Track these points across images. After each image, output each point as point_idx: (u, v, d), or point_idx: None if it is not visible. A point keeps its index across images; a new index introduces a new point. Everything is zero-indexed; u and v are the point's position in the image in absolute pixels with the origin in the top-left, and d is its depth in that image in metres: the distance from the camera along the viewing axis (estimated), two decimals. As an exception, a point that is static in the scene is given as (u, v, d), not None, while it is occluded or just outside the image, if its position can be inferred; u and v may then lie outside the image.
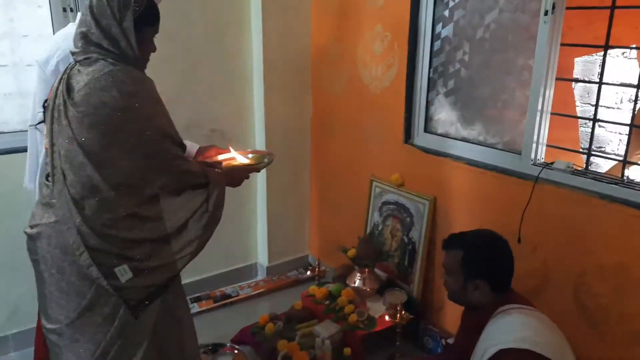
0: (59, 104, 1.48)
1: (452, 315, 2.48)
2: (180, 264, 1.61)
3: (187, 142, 1.83)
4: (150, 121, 1.51)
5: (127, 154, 1.47)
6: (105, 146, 1.45)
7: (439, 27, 2.42)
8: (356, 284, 2.72)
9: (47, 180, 1.54)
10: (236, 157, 1.86)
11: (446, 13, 2.38)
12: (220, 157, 1.86)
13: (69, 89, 1.47)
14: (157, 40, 1.63)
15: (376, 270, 2.76)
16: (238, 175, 1.81)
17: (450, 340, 2.41)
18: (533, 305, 1.72)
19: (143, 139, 1.48)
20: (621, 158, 1.92)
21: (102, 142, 1.44)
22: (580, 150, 2.13)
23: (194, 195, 1.61)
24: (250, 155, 1.91)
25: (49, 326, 1.58)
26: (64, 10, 2.44)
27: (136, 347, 1.59)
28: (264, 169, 1.93)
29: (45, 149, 1.59)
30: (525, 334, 1.56)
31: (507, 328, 1.61)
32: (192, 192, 1.62)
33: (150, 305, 1.57)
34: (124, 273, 1.49)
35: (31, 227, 1.56)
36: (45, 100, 1.64)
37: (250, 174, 1.86)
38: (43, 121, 1.65)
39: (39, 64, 1.90)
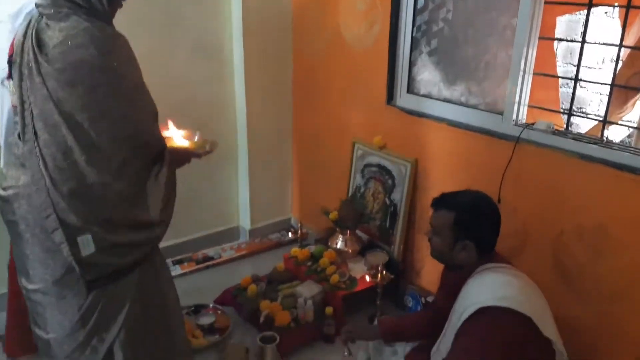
0: (28, 60, 1.41)
1: (432, 275, 2.52)
2: (145, 249, 1.60)
3: None
4: (127, 80, 1.47)
5: (102, 115, 1.43)
6: (82, 106, 1.40)
7: (422, -16, 2.37)
8: (338, 246, 2.73)
9: (19, 138, 1.49)
10: (176, 137, 1.78)
11: (430, -31, 2.32)
12: (164, 133, 1.79)
13: (40, 44, 1.41)
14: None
15: (358, 232, 2.77)
16: (181, 156, 1.74)
17: (430, 299, 2.46)
18: (513, 264, 1.74)
19: (118, 100, 1.44)
20: (601, 118, 1.93)
21: (79, 102, 1.40)
22: (561, 110, 2.13)
23: (155, 169, 1.59)
24: (191, 139, 1.82)
25: (31, 287, 1.56)
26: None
27: (122, 302, 1.60)
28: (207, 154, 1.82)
29: (13, 106, 1.53)
30: (505, 292, 1.58)
31: (487, 286, 1.63)
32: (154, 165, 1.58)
33: (111, 284, 1.56)
34: (86, 245, 1.47)
35: (5, 189, 1.51)
36: (10, 55, 1.56)
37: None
38: (9, 77, 1.58)
39: (10, 16, 1.82)
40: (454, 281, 1.78)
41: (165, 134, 1.76)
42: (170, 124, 1.79)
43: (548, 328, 1.62)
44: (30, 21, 1.47)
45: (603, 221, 1.82)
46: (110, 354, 1.62)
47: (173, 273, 2.90)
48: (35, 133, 1.42)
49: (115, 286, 1.57)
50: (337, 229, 2.75)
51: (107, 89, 1.42)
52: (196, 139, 1.82)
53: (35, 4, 1.48)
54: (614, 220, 1.79)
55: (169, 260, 2.94)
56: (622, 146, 1.81)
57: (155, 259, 1.72)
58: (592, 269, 1.88)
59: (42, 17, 1.45)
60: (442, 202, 1.76)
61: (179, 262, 3.02)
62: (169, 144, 1.72)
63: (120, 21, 1.58)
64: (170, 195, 1.64)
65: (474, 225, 1.69)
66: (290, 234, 3.29)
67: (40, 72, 1.40)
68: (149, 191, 1.56)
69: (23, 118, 1.44)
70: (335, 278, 2.54)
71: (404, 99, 2.56)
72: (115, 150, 1.47)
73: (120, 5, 1.57)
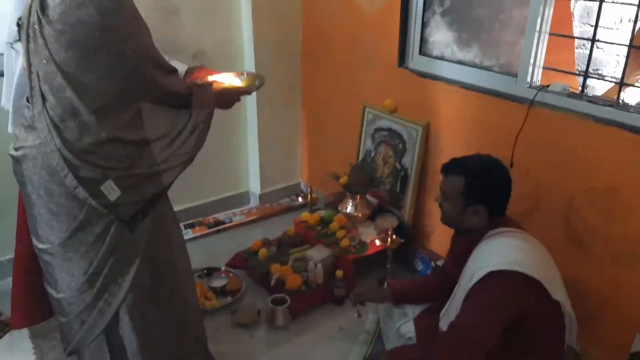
0: (33, 22, 1.40)
1: (441, 239, 2.53)
2: (165, 177, 1.59)
3: (175, 62, 1.76)
4: (130, 40, 1.43)
5: (106, 76, 1.41)
6: (84, 68, 1.39)
7: (436, -59, 2.29)
8: (348, 210, 2.74)
9: (28, 102, 1.49)
10: (226, 79, 1.80)
11: None
12: (210, 78, 1.81)
13: (43, 6, 1.39)
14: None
15: (368, 196, 2.78)
16: (229, 96, 1.76)
17: (440, 263, 2.47)
18: (523, 229, 1.74)
19: (122, 60, 1.42)
20: (618, 80, 1.88)
21: (81, 64, 1.38)
22: (577, 72, 2.08)
23: (178, 112, 1.58)
24: (241, 77, 1.85)
25: (40, 246, 1.60)
26: None
27: (128, 264, 1.61)
28: (255, 92, 1.88)
29: (23, 69, 1.52)
30: (515, 256, 1.59)
31: (497, 250, 1.64)
32: (177, 110, 1.57)
33: (143, 219, 1.58)
34: (111, 191, 1.48)
35: (16, 149, 1.53)
36: (20, 18, 1.55)
37: (242, 97, 1.81)
38: (19, 40, 1.57)
39: None
40: (464, 246, 1.78)
41: (215, 77, 1.79)
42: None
43: (557, 291, 1.63)
44: None
45: (616, 184, 1.80)
46: (116, 317, 1.65)
47: (185, 237, 2.90)
48: (43, 95, 1.41)
49: (122, 248, 1.58)
50: (347, 194, 2.75)
51: (110, 48, 1.39)
52: (241, 77, 1.85)
53: None
54: (627, 183, 1.77)
55: (180, 224, 2.96)
56: (639, 109, 1.77)
57: (167, 224, 1.73)
58: (603, 232, 1.87)
59: None
60: (451, 167, 1.74)
61: (191, 225, 3.05)
62: (216, 86, 1.74)
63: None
64: (203, 135, 1.63)
65: (484, 190, 1.68)
66: (300, 199, 3.30)
67: (43, 34, 1.38)
68: (186, 131, 1.57)
69: (30, 81, 1.44)
70: (345, 242, 2.56)
71: (416, 61, 2.51)
72: (124, 107, 1.46)
73: None
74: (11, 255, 2.55)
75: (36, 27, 1.39)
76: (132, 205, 1.54)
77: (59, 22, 1.36)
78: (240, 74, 1.87)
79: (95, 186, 1.46)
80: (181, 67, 1.81)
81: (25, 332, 2.24)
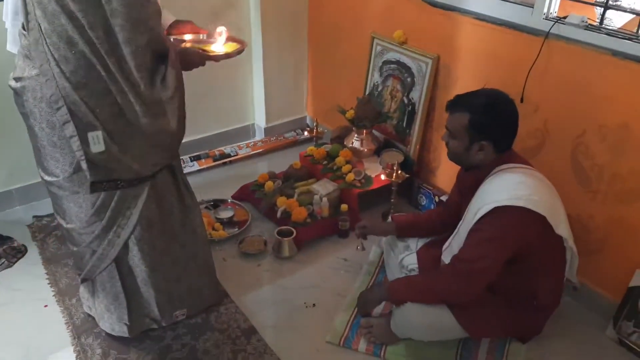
0: None
1: (446, 174, 2.53)
2: (148, 168, 1.58)
3: (165, 12, 1.67)
4: None
5: (95, 7, 1.34)
6: None
7: None
8: (354, 145, 2.73)
9: (24, 29, 1.44)
10: (216, 43, 1.71)
11: None
12: (187, 37, 1.71)
13: None
14: None
15: (374, 131, 2.75)
16: (191, 58, 1.64)
17: (444, 198, 2.49)
18: (530, 165, 1.73)
19: None
20: (638, 11, 1.81)
21: None
22: (596, 2, 1.99)
23: (160, 62, 1.51)
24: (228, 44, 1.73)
25: (47, 178, 1.60)
26: None
27: (135, 197, 1.63)
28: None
29: None
30: (520, 192, 1.59)
31: (503, 186, 1.64)
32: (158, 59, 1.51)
33: (103, 190, 1.56)
34: (96, 142, 1.45)
35: (15, 80, 1.49)
36: None
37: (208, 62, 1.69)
38: None
39: None
40: (470, 181, 1.79)
41: (191, 37, 1.70)
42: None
43: (561, 226, 1.65)
44: None
45: (627, 121, 1.77)
46: (126, 248, 1.69)
47: (191, 169, 2.95)
48: (38, 22, 1.36)
49: (127, 189, 1.59)
50: (353, 128, 2.73)
51: None
52: (221, 36, 1.73)
53: None
54: (638, 119, 1.74)
55: (185, 157, 2.98)
56: (659, 42, 1.71)
57: (172, 165, 1.73)
58: (610, 169, 1.86)
59: None
60: (456, 104, 1.71)
61: (197, 158, 3.05)
62: (192, 44, 1.66)
63: None
64: (180, 102, 1.58)
65: (489, 126, 1.66)
66: (305, 133, 3.28)
67: None
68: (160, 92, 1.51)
69: (25, 5, 1.38)
70: (350, 176, 2.57)
71: (428, -10, 2.41)
72: (110, 47, 1.39)
73: None
74: (20, 184, 2.60)
75: None
76: (106, 170, 1.52)
77: None
78: (227, 39, 1.75)
79: (84, 129, 1.44)
80: (167, 20, 1.73)
81: (38, 257, 2.31)
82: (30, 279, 2.20)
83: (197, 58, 1.66)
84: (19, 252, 2.33)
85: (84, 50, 1.37)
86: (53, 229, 2.46)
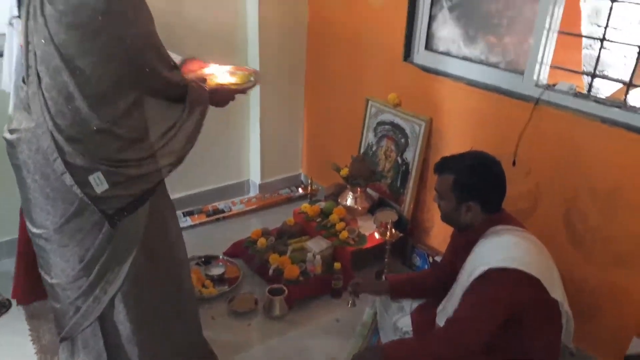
0: None
1: (440, 235, 2.53)
2: (154, 176, 1.57)
3: (170, 54, 1.73)
4: (132, 27, 1.40)
5: (104, 62, 1.38)
6: (83, 51, 1.36)
7: None
8: (348, 203, 2.74)
9: (23, 82, 1.46)
10: (219, 74, 1.74)
11: None
12: (206, 71, 1.76)
13: None
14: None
15: (368, 189, 2.77)
16: (225, 95, 1.70)
17: (438, 259, 2.47)
18: (523, 226, 1.74)
19: (122, 46, 1.39)
20: (626, 82, 1.87)
21: (80, 47, 1.36)
22: (585, 72, 2.07)
23: (172, 106, 1.54)
24: (237, 73, 1.77)
25: (35, 230, 1.57)
26: None
27: (126, 252, 1.60)
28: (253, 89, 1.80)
29: (21, 46, 1.50)
30: (514, 254, 1.59)
31: (497, 248, 1.64)
32: (171, 103, 1.54)
33: (128, 216, 1.55)
34: (99, 182, 1.45)
35: (10, 132, 1.50)
36: None
37: (237, 95, 1.74)
38: (18, 16, 1.54)
39: None
40: (463, 242, 1.78)
41: (205, 71, 1.73)
42: (212, 63, 1.76)
43: (556, 290, 1.63)
44: None
45: (618, 185, 1.79)
46: (111, 304, 1.64)
47: (183, 225, 2.93)
48: (39, 76, 1.39)
49: (119, 238, 1.57)
50: (348, 186, 2.75)
51: (111, 34, 1.36)
52: (236, 73, 1.77)
53: None
54: (630, 184, 1.77)
55: (179, 212, 2.96)
56: (646, 111, 1.76)
57: (164, 212, 1.72)
58: (603, 232, 1.87)
59: None
60: (442, 166, 1.76)
61: (190, 213, 3.04)
62: (215, 81, 1.69)
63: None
64: (195, 133, 1.60)
65: (474, 187, 1.69)
66: (300, 190, 3.29)
67: (44, 12, 1.35)
68: (177, 127, 1.54)
69: (27, 59, 1.41)
70: (344, 234, 2.56)
71: (421, 56, 2.50)
72: (120, 97, 1.43)
73: None
74: (9, 237, 2.56)
75: (37, 4, 1.36)
76: (118, 200, 1.51)
77: (62, 3, 1.34)
78: (236, 69, 1.80)
79: (83, 175, 1.44)
80: (175, 59, 1.77)
81: (21, 313, 2.24)
82: (12, 335, 2.13)
83: (230, 94, 1.71)
84: (3, 307, 2.27)
85: (80, 107, 1.39)
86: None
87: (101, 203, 1.49)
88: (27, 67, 1.41)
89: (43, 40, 1.36)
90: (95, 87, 1.39)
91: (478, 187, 1.69)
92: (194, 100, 1.57)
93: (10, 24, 1.78)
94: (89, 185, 1.45)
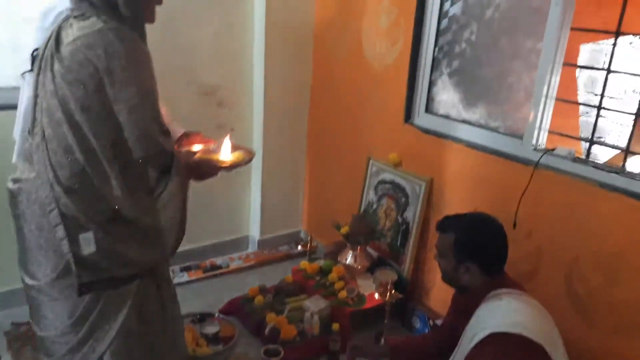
0: (47, 55, 1.43)
1: (441, 297, 2.49)
2: (143, 262, 1.57)
3: (174, 125, 1.76)
4: (133, 86, 1.43)
5: (103, 119, 1.41)
6: (82, 107, 1.40)
7: (447, 5, 2.37)
8: (347, 261, 2.71)
9: (29, 133, 1.50)
10: (222, 151, 1.72)
11: (455, -9, 2.33)
12: (195, 148, 1.74)
13: (58, 41, 1.42)
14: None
15: (368, 248, 2.75)
16: (205, 169, 1.66)
17: (439, 322, 2.42)
18: (525, 290, 1.72)
19: (122, 104, 1.43)
20: (624, 148, 1.90)
21: (81, 102, 1.39)
22: (582, 138, 2.11)
23: (160, 174, 1.55)
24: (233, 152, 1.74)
25: (28, 281, 1.56)
26: (64, -35, 2.35)
27: (117, 311, 1.57)
28: (245, 165, 1.76)
29: (30, 99, 1.54)
30: (516, 318, 1.56)
31: (499, 312, 1.61)
32: (158, 171, 1.54)
33: (95, 291, 1.52)
34: (88, 243, 1.45)
35: (13, 181, 1.52)
36: (35, 49, 1.58)
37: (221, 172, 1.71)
38: (30, 70, 1.60)
39: (41, 13, 1.85)
40: (464, 305, 1.76)
41: (200, 147, 1.72)
42: (222, 139, 1.74)
43: (559, 356, 1.59)
44: (62, 20, 1.49)
45: (620, 250, 1.79)
46: None
47: (180, 280, 2.89)
48: (43, 128, 1.43)
49: (110, 296, 1.54)
50: (348, 244, 2.73)
51: (110, 91, 1.40)
52: (224, 145, 1.76)
53: (68, 9, 1.50)
54: (631, 250, 1.76)
55: (176, 267, 2.93)
56: (644, 177, 1.78)
57: (157, 272, 1.70)
58: (606, 298, 1.84)
59: (71, 17, 1.47)
60: (444, 224, 1.79)
61: (187, 269, 3.01)
62: (201, 155, 1.69)
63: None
64: (181, 211, 1.59)
65: (474, 247, 1.69)
66: (299, 247, 3.27)
67: (53, 67, 1.41)
68: (160, 200, 1.54)
69: (34, 112, 1.45)
70: (343, 294, 2.52)
71: (422, 118, 2.55)
72: (114, 155, 1.45)
73: (160, 2, 1.57)
74: (2, 289, 2.52)
75: (48, 60, 1.42)
76: (99, 271, 1.50)
77: (68, 59, 1.39)
78: (234, 147, 1.75)
79: (75, 231, 1.44)
80: (176, 133, 1.77)
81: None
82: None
83: (210, 169, 1.68)
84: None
85: (78, 159, 1.42)
86: (30, 337, 2.34)
87: (81, 266, 1.47)
88: (34, 118, 1.45)
89: (49, 94, 1.41)
90: (92, 143, 1.42)
91: (477, 248, 1.69)
92: (176, 171, 1.57)
93: (23, 76, 1.84)
94: (77, 243, 1.45)
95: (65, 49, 1.40)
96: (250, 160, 1.74)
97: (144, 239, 1.55)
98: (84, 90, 1.39)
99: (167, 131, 1.58)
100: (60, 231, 1.44)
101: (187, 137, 1.81)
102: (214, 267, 3.07)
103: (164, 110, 1.61)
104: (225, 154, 1.72)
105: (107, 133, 1.43)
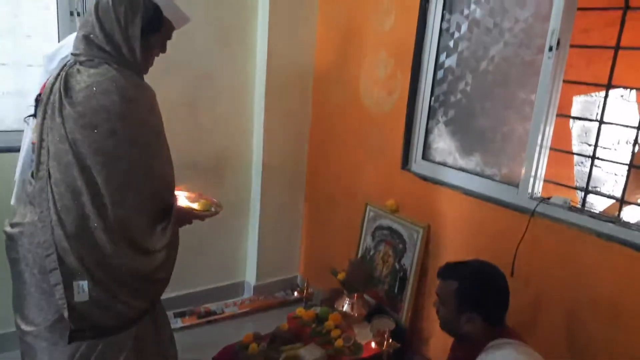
0: (54, 100, 1.46)
1: (439, 346, 2.44)
2: (131, 312, 1.57)
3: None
4: (145, 130, 1.49)
5: (114, 162, 1.44)
6: (95, 150, 1.42)
7: (442, 57, 2.45)
8: (344, 309, 2.67)
9: (32, 176, 1.51)
10: (181, 198, 1.78)
11: (451, 43, 2.40)
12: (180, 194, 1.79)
13: (67, 87, 1.46)
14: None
15: (365, 295, 2.72)
16: (184, 216, 1.71)
17: (437, 372, 2.37)
18: (525, 341, 1.69)
19: (134, 147, 1.46)
20: (617, 198, 1.93)
21: (93, 146, 1.42)
22: (577, 187, 2.14)
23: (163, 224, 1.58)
24: (199, 201, 1.81)
25: (24, 327, 1.54)
26: (71, 14, 2.43)
27: (117, 353, 1.55)
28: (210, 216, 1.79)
29: (33, 144, 1.56)
30: (516, 369, 1.53)
31: (499, 362, 1.58)
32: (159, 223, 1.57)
33: (83, 340, 1.51)
34: (80, 291, 1.45)
35: (12, 225, 1.52)
36: (38, 95, 1.61)
37: (195, 221, 1.76)
38: (33, 115, 1.63)
39: (46, 57, 1.89)
40: (463, 354, 1.73)
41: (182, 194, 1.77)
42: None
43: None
44: (65, 65, 1.54)
45: (618, 300, 1.78)
46: None
47: (174, 326, 2.84)
48: (49, 171, 1.44)
49: (109, 342, 1.53)
50: (344, 291, 2.70)
51: (124, 135, 1.44)
52: (197, 202, 1.81)
53: (72, 54, 1.55)
54: (629, 299, 1.75)
55: (170, 313, 2.88)
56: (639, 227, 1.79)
57: (157, 316, 1.69)
58: (606, 348, 1.82)
59: (76, 63, 1.51)
60: (446, 271, 1.76)
61: (181, 314, 2.96)
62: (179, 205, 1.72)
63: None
64: (170, 253, 1.62)
65: (477, 297, 1.67)
66: (295, 293, 3.23)
67: (62, 113, 1.44)
68: (154, 242, 1.55)
69: (39, 156, 1.47)
70: (340, 342, 2.47)
71: (418, 165, 2.58)
72: (122, 197, 1.47)
73: (163, 51, 1.63)
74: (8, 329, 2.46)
75: (56, 105, 1.45)
76: (86, 322, 1.50)
77: (81, 105, 1.42)
78: (199, 196, 1.83)
79: (70, 277, 1.44)
80: None
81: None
82: None
83: (187, 217, 1.72)
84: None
85: (85, 202, 1.43)
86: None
87: (72, 313, 1.47)
88: (39, 163, 1.46)
89: (58, 138, 1.43)
90: (101, 186, 1.43)
91: (481, 298, 1.67)
92: (174, 217, 1.60)
93: (26, 121, 1.87)
94: (70, 288, 1.45)
95: (77, 95, 1.43)
96: (217, 211, 1.78)
97: (134, 290, 1.55)
98: (98, 134, 1.42)
99: (167, 175, 1.61)
100: (56, 276, 1.44)
101: None
102: (209, 313, 3.02)
103: None
104: (184, 202, 1.75)
105: (117, 175, 1.45)
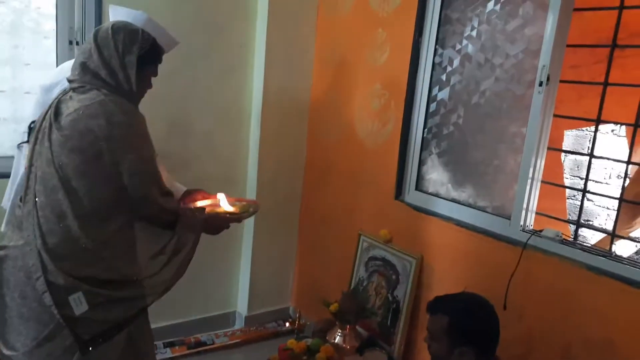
0: (44, 126, 1.48)
1: (432, 381, 2.40)
2: (139, 303, 1.56)
3: (176, 184, 1.81)
4: (131, 152, 1.49)
5: (101, 184, 1.45)
6: (81, 173, 1.44)
7: (435, 90, 2.48)
8: (336, 341, 2.64)
9: (20, 201, 1.51)
10: (220, 203, 1.80)
11: (443, 77, 2.44)
12: (199, 203, 1.80)
13: (57, 113, 1.48)
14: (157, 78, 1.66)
15: (358, 327, 2.69)
16: (218, 222, 1.74)
17: (430, 407, 2.32)
18: (517, 375, 1.67)
19: (120, 170, 1.47)
20: (609, 231, 1.93)
21: (79, 169, 1.43)
22: (569, 220, 2.15)
23: (161, 232, 1.58)
24: (236, 204, 1.84)
25: (5, 351, 1.52)
26: (70, 43, 2.47)
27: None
28: (249, 218, 1.85)
29: (25, 169, 1.57)
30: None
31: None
32: (161, 230, 1.58)
33: (103, 343, 1.51)
34: (78, 303, 1.44)
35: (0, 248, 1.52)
36: (32, 122, 1.63)
37: (232, 224, 1.79)
38: (27, 141, 1.64)
39: (42, 88, 1.90)
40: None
41: (205, 202, 1.78)
42: (219, 195, 1.82)
43: None
44: (60, 93, 1.56)
45: (611, 335, 1.76)
46: None
47: (163, 356, 2.79)
48: (35, 195, 1.45)
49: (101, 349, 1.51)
50: (337, 323, 2.67)
51: (110, 158, 1.45)
52: (235, 203, 1.82)
53: (67, 79, 1.57)
54: (622, 334, 1.73)
55: (160, 342, 2.84)
56: (631, 261, 1.79)
57: (141, 342, 1.66)
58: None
59: (70, 90, 1.53)
60: (436, 306, 1.73)
61: (171, 344, 2.90)
62: (215, 210, 1.74)
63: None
64: (186, 262, 1.63)
65: (470, 331, 1.65)
66: (287, 324, 3.18)
67: (50, 137, 1.45)
68: (168, 254, 1.55)
69: (28, 180, 1.48)
70: (331, 375, 2.43)
71: (412, 196, 2.59)
72: (111, 219, 1.48)
73: (150, 87, 1.65)
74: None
75: (46, 131, 1.47)
76: (95, 324, 1.49)
77: (68, 128, 1.44)
78: (236, 200, 1.86)
79: (63, 295, 1.44)
80: (178, 191, 1.84)
81: None
82: None
83: (224, 221, 1.74)
84: None
85: (70, 225, 1.43)
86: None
87: (78, 326, 1.46)
88: (27, 187, 1.48)
89: (45, 162, 1.45)
90: (87, 208, 1.44)
91: (473, 332, 1.65)
92: (185, 228, 1.61)
93: (19, 148, 1.88)
94: (68, 306, 1.44)
95: (65, 119, 1.45)
96: (255, 210, 1.81)
97: (130, 300, 1.54)
98: (84, 157, 1.43)
99: (168, 192, 1.63)
100: (48, 298, 1.43)
101: (190, 194, 1.86)
102: (199, 344, 2.97)
103: (164, 173, 1.66)
104: (226, 206, 1.77)
105: (104, 198, 1.46)
